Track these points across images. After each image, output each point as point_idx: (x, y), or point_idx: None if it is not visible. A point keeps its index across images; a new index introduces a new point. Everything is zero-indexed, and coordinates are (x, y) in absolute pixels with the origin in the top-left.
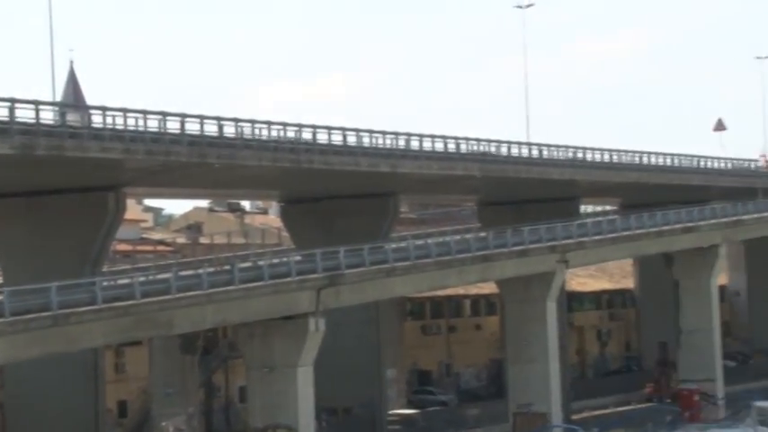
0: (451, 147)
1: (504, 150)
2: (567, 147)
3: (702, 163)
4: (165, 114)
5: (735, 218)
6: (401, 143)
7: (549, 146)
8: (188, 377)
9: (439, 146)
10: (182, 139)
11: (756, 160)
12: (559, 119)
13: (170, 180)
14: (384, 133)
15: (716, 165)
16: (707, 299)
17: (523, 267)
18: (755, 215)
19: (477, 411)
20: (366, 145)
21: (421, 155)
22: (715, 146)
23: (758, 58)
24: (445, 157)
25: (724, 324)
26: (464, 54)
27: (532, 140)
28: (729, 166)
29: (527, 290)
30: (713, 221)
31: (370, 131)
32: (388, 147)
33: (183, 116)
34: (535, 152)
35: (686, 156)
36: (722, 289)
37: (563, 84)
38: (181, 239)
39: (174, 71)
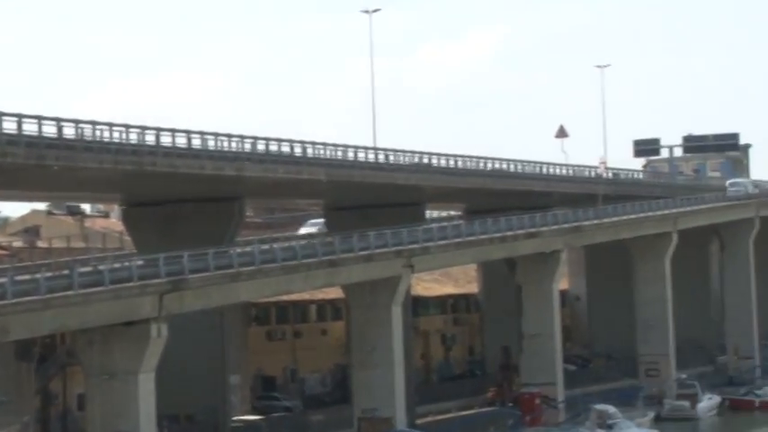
0: (298, 151)
1: (350, 155)
2: (412, 152)
3: (545, 169)
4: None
5: (575, 224)
6: (247, 146)
7: (395, 151)
8: (24, 385)
9: (285, 149)
10: (19, 140)
11: (596, 167)
12: (407, 123)
13: (6, 182)
14: (230, 136)
15: (558, 171)
16: (548, 304)
17: (369, 272)
18: (595, 221)
19: (322, 417)
20: (211, 148)
21: (267, 158)
22: (558, 152)
23: (598, 66)
24: (291, 160)
25: (565, 328)
26: (317, 57)
27: (379, 145)
28: (571, 172)
29: (373, 294)
30: (555, 227)
31: (216, 134)
32: (234, 150)
33: (20, 116)
34: (381, 157)
35: (529, 162)
36: (563, 294)
37: (412, 88)
38: (17, 243)
39: (11, 70)
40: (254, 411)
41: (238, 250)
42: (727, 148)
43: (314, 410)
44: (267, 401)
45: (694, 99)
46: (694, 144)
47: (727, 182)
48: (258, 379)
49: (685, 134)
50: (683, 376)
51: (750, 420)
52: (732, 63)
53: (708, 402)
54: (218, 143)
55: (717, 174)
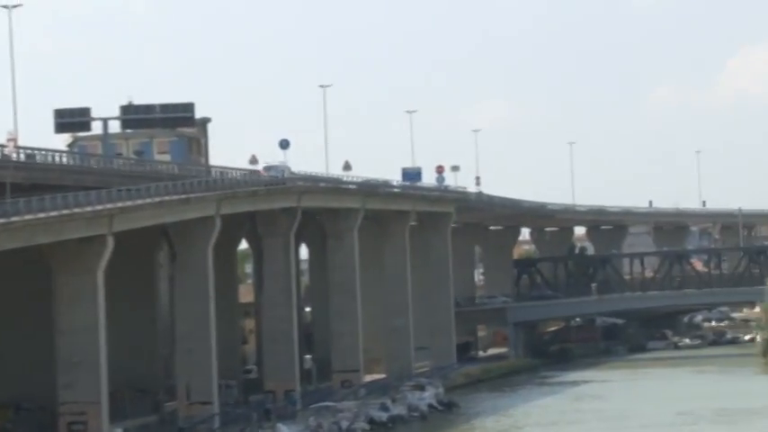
0: None
1: None
2: None
3: None
4: None
5: None
6: None
7: None
8: None
9: None
10: None
11: (2, 145)
12: None
13: None
14: None
15: None
16: None
17: None
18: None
19: None
20: None
21: None
22: None
23: (321, 86)
24: None
25: None
26: None
27: None
28: None
29: None
30: None
31: None
32: None
33: None
34: None
35: None
36: None
37: None
38: None
39: None
40: None
41: None
42: (180, 122)
43: None
44: None
45: (135, 60)
46: (136, 117)
47: (262, 165)
48: None
49: (124, 103)
50: (118, 430)
51: None
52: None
53: None
54: None
55: (166, 156)
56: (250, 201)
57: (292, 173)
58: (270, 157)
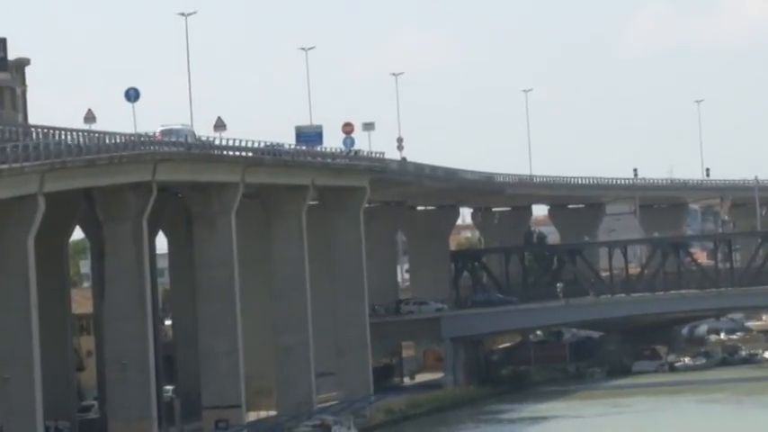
0: None
1: None
2: None
3: None
4: None
5: None
6: None
7: None
8: None
9: None
10: None
11: None
12: None
13: None
14: None
15: None
16: None
17: None
18: None
19: None
20: None
21: None
22: None
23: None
24: None
25: None
26: None
27: None
28: None
29: None
30: None
31: None
32: None
33: None
34: None
35: None
36: None
37: None
38: None
39: None
40: None
41: None
42: None
43: None
44: None
45: None
46: None
47: (159, 128)
48: None
49: None
50: None
51: None
52: None
53: None
54: None
55: None
56: (86, 173)
57: (198, 138)
58: (157, 118)
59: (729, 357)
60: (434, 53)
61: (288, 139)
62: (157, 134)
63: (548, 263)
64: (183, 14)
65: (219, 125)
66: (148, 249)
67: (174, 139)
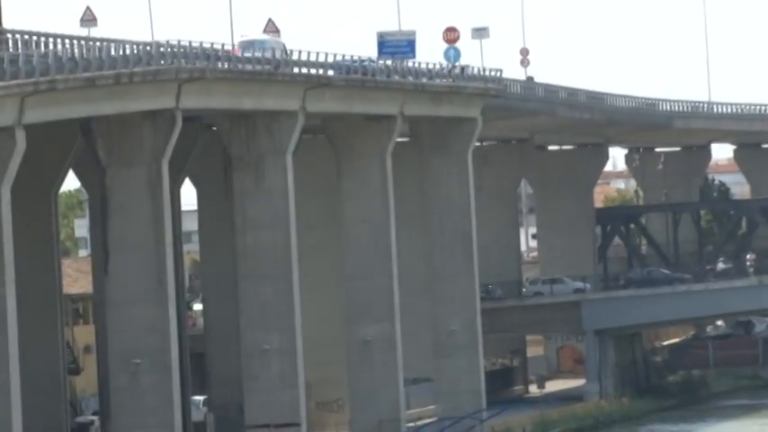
0: None
1: None
2: None
3: None
4: None
5: None
6: None
7: None
8: None
9: None
10: None
11: None
12: None
13: None
14: None
15: None
16: None
17: None
18: None
19: None
20: None
21: None
22: None
23: None
24: None
25: None
26: None
27: None
28: None
29: None
30: None
31: None
32: None
33: None
34: None
35: None
36: None
37: None
38: None
39: None
40: None
41: None
42: None
43: None
44: None
45: None
46: None
47: (238, 40)
48: None
49: None
50: None
51: None
52: None
53: None
54: None
55: None
56: (83, 98)
57: (288, 54)
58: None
59: None
60: None
61: (368, 52)
62: (235, 48)
63: (733, 226)
64: None
65: (271, 30)
66: (170, 205)
67: (257, 55)
